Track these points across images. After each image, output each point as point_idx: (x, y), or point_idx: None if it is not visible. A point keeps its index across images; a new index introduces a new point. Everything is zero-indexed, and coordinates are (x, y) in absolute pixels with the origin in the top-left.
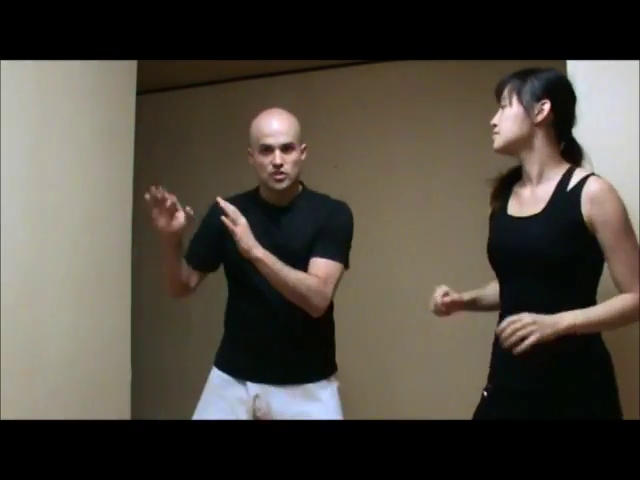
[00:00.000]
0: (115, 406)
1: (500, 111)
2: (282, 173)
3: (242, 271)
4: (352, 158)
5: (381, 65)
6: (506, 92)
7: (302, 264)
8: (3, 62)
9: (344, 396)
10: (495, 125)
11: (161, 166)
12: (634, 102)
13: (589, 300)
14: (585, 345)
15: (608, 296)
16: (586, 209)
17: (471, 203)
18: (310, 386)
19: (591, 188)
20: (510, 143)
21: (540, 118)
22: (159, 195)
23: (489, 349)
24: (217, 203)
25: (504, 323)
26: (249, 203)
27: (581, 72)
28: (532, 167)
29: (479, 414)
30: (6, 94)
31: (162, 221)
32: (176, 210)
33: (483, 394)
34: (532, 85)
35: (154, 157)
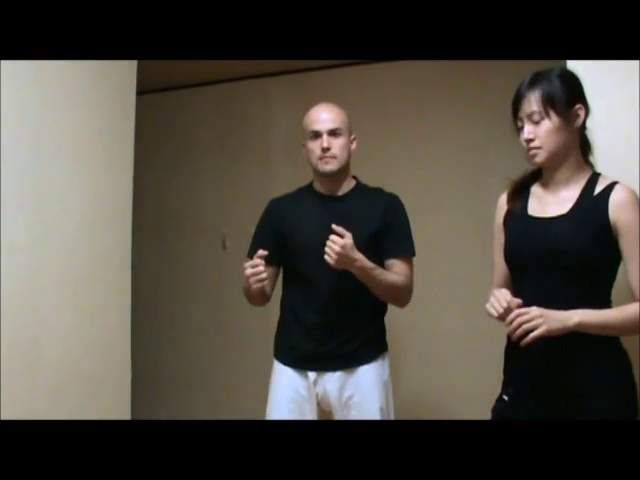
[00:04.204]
0: (115, 406)
1: (530, 125)
2: (330, 156)
3: (295, 261)
4: (352, 158)
5: (381, 65)
6: (537, 104)
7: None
8: (3, 62)
9: None
10: (531, 140)
11: (161, 166)
12: (634, 102)
13: (604, 300)
14: (606, 344)
15: (623, 301)
16: (613, 214)
17: (471, 204)
18: (359, 369)
19: (619, 195)
20: (554, 156)
21: (579, 123)
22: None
23: (489, 349)
24: (273, 200)
25: (512, 315)
26: (302, 195)
27: (581, 72)
28: (562, 172)
29: (502, 417)
30: (6, 94)
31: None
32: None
33: (503, 398)
34: (563, 92)
35: (154, 157)
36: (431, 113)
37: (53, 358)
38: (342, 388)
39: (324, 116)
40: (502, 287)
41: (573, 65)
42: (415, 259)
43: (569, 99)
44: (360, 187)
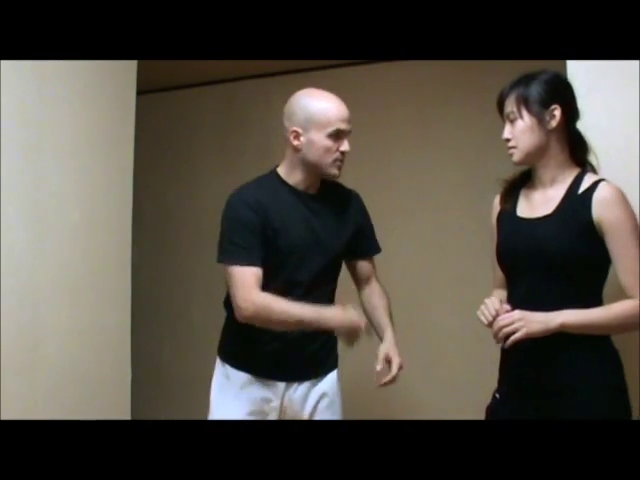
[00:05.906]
0: (115, 406)
1: (508, 124)
2: (343, 161)
3: (278, 262)
4: (352, 158)
5: (382, 65)
6: (512, 104)
7: (336, 259)
8: (3, 62)
9: (345, 396)
10: (508, 139)
11: (161, 166)
12: (634, 102)
13: (595, 300)
14: (594, 344)
15: (614, 299)
16: (596, 213)
17: (471, 205)
18: (321, 378)
19: (602, 193)
20: (529, 155)
21: (554, 124)
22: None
23: (488, 348)
24: (247, 193)
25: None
26: (277, 188)
27: (581, 72)
28: (546, 172)
29: (493, 416)
30: (6, 94)
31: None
32: None
33: (495, 396)
34: (538, 92)
35: (154, 157)
36: (431, 113)
37: (53, 358)
38: (307, 396)
39: (347, 116)
40: (502, 287)
41: (573, 65)
42: (415, 259)
43: (544, 100)
44: (325, 183)
